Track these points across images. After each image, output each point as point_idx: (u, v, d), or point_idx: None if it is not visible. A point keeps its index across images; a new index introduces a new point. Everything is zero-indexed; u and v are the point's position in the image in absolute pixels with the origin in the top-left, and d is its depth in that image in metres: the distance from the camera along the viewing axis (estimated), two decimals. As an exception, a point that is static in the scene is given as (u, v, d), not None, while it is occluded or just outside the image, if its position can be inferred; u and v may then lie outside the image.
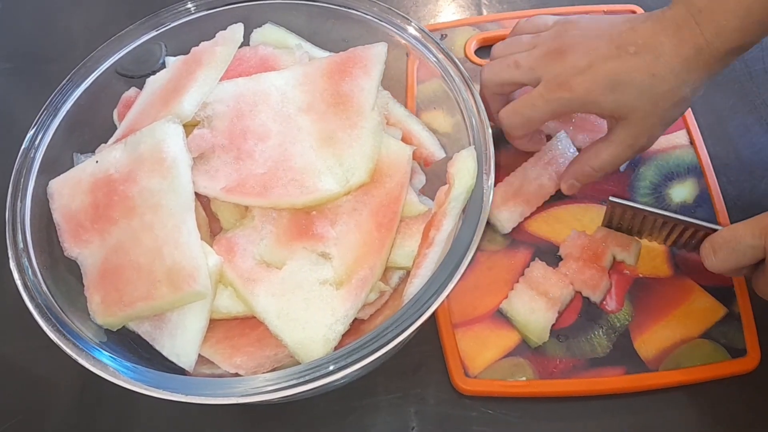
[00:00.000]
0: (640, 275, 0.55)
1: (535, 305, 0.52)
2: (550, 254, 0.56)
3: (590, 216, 0.57)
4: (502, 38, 0.67)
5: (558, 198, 0.58)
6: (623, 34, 0.49)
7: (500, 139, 0.61)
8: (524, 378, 0.51)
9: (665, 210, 0.51)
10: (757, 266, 0.46)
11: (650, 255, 0.55)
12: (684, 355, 0.51)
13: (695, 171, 0.59)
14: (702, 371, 0.50)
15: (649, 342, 0.52)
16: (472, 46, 0.68)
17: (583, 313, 0.53)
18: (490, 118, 0.52)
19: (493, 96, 0.55)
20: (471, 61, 0.67)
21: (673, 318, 0.53)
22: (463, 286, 0.54)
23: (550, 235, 0.57)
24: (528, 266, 0.55)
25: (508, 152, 0.61)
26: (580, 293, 0.54)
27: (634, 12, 0.70)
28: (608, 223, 0.56)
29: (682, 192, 0.58)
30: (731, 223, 0.53)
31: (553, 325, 0.52)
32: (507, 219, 0.56)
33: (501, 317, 0.53)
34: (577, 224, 0.57)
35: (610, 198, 0.52)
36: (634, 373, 0.50)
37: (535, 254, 0.56)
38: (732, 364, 0.51)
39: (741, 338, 0.51)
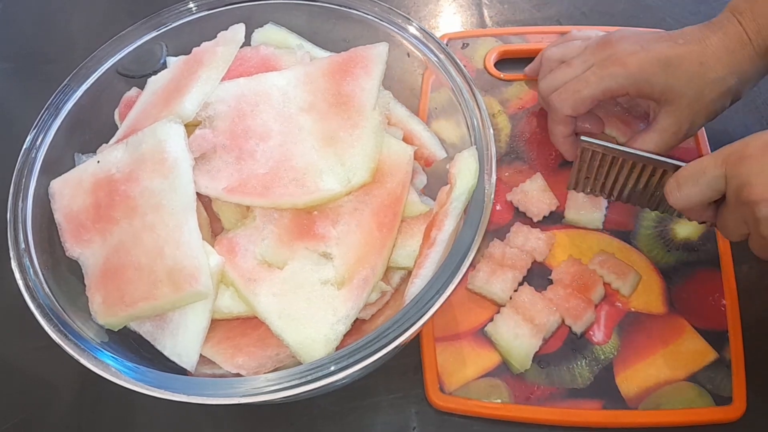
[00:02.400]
0: (632, 309, 0.53)
1: (519, 331, 0.51)
2: (542, 277, 0.55)
3: (588, 243, 0.56)
4: (525, 52, 0.68)
5: (557, 221, 0.58)
6: (671, 33, 0.53)
7: (504, 159, 0.61)
8: (499, 400, 0.50)
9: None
10: (720, 208, 0.46)
11: (646, 289, 0.54)
12: (666, 396, 0.49)
13: None
14: (682, 415, 0.49)
15: (632, 379, 0.50)
16: (492, 58, 0.67)
17: (568, 342, 0.52)
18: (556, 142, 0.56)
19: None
20: (489, 73, 0.66)
21: (660, 357, 0.51)
22: (448, 301, 0.53)
23: (546, 257, 0.56)
24: (516, 290, 0.54)
25: (510, 168, 0.61)
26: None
27: None
28: (577, 175, 0.54)
29: (687, 229, 0.57)
30: (734, 266, 0.54)
31: (536, 351, 0.51)
32: (501, 290, 0.53)
33: (484, 336, 0.53)
34: (575, 250, 0.56)
35: (582, 138, 0.51)
36: (611, 409, 0.49)
37: (526, 277, 0.55)
38: (715, 411, 0.49)
39: (728, 386, 0.50)
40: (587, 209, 0.57)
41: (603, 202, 0.57)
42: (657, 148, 0.52)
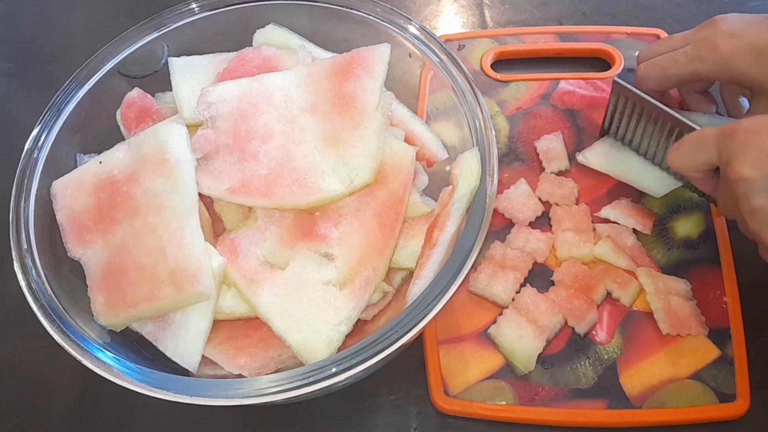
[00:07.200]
0: (634, 308, 0.53)
1: (523, 332, 0.51)
2: (543, 278, 0.55)
3: (590, 246, 0.56)
4: (521, 53, 0.68)
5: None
6: None
7: (503, 160, 0.61)
8: (504, 402, 0.50)
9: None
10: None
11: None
12: (670, 394, 0.49)
13: (702, 206, 0.57)
14: (687, 413, 0.49)
15: (636, 378, 0.50)
16: (489, 60, 0.67)
17: (571, 343, 0.52)
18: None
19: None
20: (486, 74, 0.66)
21: (664, 355, 0.51)
22: (450, 303, 0.53)
23: (546, 257, 0.56)
24: (518, 291, 0.54)
25: (509, 169, 0.61)
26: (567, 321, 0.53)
27: (658, 36, 0.68)
28: (611, 118, 0.55)
29: (687, 226, 0.56)
30: (735, 263, 0.53)
31: (539, 352, 0.51)
32: (503, 291, 0.53)
33: (487, 338, 0.52)
34: (577, 251, 0.56)
35: (615, 78, 0.52)
36: (615, 408, 0.49)
37: (527, 278, 0.54)
38: (719, 408, 0.49)
39: (732, 383, 0.50)
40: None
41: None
42: None
